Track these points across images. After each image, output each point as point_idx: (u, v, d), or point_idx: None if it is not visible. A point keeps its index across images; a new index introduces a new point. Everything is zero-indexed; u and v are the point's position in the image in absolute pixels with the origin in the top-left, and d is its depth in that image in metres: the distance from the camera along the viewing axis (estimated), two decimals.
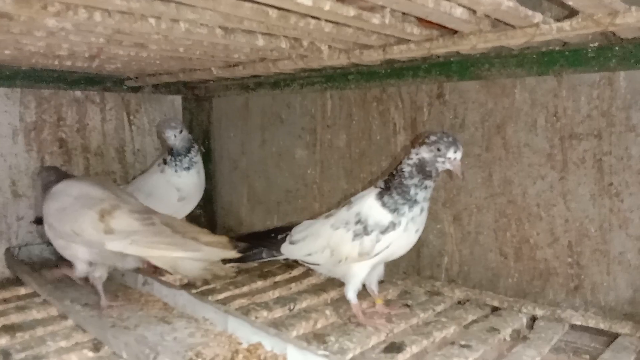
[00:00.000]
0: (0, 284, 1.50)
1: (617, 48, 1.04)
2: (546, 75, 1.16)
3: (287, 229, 1.26)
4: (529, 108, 1.22)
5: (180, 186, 1.60)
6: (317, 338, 1.06)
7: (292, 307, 1.25)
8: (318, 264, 1.21)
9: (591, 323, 1.12)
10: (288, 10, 0.87)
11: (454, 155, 1.03)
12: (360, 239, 1.09)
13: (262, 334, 0.97)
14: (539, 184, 1.22)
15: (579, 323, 1.13)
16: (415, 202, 1.07)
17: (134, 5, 0.78)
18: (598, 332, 1.11)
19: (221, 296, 1.33)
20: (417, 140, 1.09)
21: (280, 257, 1.29)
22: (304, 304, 1.28)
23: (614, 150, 1.11)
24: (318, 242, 1.17)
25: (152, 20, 0.90)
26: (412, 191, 1.06)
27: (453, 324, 1.13)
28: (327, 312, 1.19)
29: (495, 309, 1.23)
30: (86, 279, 1.27)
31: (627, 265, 1.11)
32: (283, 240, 1.24)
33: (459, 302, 1.29)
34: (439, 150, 1.03)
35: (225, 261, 1.26)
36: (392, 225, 1.07)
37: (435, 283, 1.38)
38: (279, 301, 1.27)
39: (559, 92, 1.17)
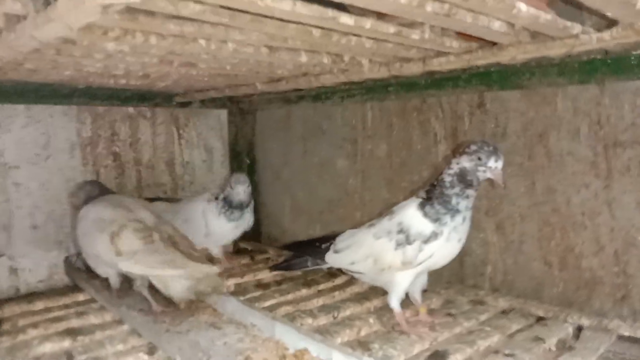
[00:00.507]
0: (61, 291, 1.58)
1: None
2: (588, 83, 1.16)
3: (330, 238, 1.29)
4: (571, 116, 1.22)
5: (213, 228, 1.63)
6: (361, 345, 1.08)
7: (336, 315, 1.27)
8: (361, 273, 1.23)
9: (639, 334, 1.10)
10: (331, 29, 0.90)
11: (494, 165, 1.03)
12: (402, 249, 1.10)
13: (308, 340, 1.00)
14: (583, 192, 1.21)
15: (626, 334, 1.10)
16: (457, 211, 1.07)
17: (186, 29, 0.84)
18: None
19: (267, 303, 1.37)
20: (458, 150, 1.10)
21: (325, 266, 1.32)
22: (348, 312, 1.30)
23: None
24: (361, 251, 1.19)
25: (202, 42, 0.95)
26: (454, 200, 1.07)
27: (497, 333, 1.13)
28: (371, 320, 1.21)
29: (540, 319, 1.22)
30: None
31: None
32: (327, 249, 1.27)
33: (503, 312, 1.28)
34: (479, 159, 1.03)
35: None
36: (435, 235, 1.08)
37: (478, 292, 1.38)
38: (323, 309, 1.29)
39: (601, 100, 1.17)
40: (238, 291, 1.53)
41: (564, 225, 1.25)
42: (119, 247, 1.17)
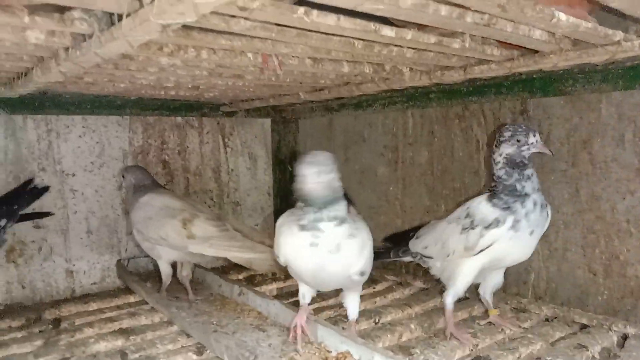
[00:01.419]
0: (113, 293, 1.66)
1: None
2: (633, 89, 1.14)
3: (417, 229, 1.38)
4: (615, 122, 1.21)
5: None
6: (403, 350, 1.09)
7: (377, 320, 1.29)
8: (431, 257, 1.27)
9: None
10: (372, 41, 0.93)
11: (534, 139, 1.09)
12: (466, 233, 1.14)
13: (350, 343, 1.03)
14: (628, 199, 1.19)
15: None
16: (526, 195, 1.10)
17: (236, 44, 0.88)
18: None
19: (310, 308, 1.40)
20: (493, 144, 1.15)
21: (404, 259, 1.39)
22: (389, 318, 1.32)
23: None
24: (434, 235, 1.26)
25: (250, 55, 1.00)
26: (518, 186, 1.10)
27: (540, 341, 1.12)
28: (412, 325, 1.22)
29: (583, 327, 1.21)
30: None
31: None
32: (412, 237, 1.36)
33: (546, 319, 1.28)
34: (519, 141, 1.09)
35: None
36: (497, 222, 1.10)
37: (521, 300, 1.37)
38: (364, 314, 1.31)
39: None
40: (281, 295, 1.57)
41: (608, 232, 1.23)
42: (192, 232, 1.36)
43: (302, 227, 0.97)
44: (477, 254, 1.13)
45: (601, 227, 1.25)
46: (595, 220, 1.26)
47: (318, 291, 1.19)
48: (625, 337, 1.13)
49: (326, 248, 0.97)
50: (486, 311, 1.27)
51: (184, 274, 1.52)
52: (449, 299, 1.18)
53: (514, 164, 1.10)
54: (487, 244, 1.11)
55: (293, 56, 1.04)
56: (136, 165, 1.78)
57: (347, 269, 1.01)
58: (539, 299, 1.37)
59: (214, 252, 1.36)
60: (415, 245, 1.33)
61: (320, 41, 0.88)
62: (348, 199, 1.45)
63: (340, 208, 0.98)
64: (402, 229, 1.74)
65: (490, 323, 1.22)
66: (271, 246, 1.23)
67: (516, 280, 1.43)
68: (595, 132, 1.25)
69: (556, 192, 1.32)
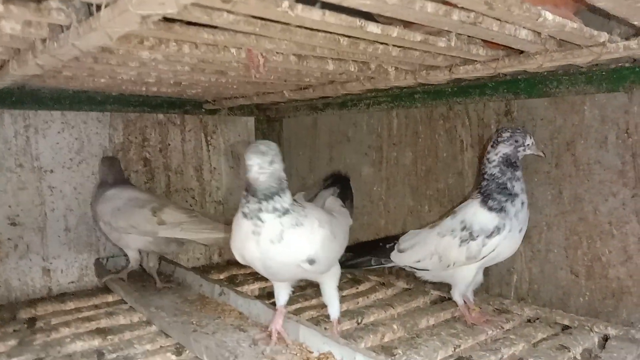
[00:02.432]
0: (91, 292, 1.64)
1: None
2: (616, 91, 1.15)
3: (393, 239, 1.38)
4: (599, 125, 1.21)
5: None
6: (385, 350, 1.09)
7: (359, 321, 1.29)
8: (427, 269, 1.30)
9: None
10: (358, 38, 0.92)
11: (531, 141, 1.17)
12: (466, 245, 1.18)
13: (332, 344, 1.02)
14: (610, 201, 1.20)
15: None
16: (515, 195, 1.16)
17: (219, 38, 0.86)
18: None
19: (292, 308, 1.39)
20: (489, 144, 1.20)
21: (388, 265, 1.39)
22: (372, 318, 1.31)
23: None
24: (426, 249, 1.27)
25: (233, 50, 0.98)
26: (509, 185, 1.16)
27: (522, 341, 1.13)
28: (395, 326, 1.22)
29: (565, 328, 1.21)
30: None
31: None
32: (392, 248, 1.35)
33: (528, 320, 1.28)
34: (517, 141, 1.16)
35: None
36: (497, 230, 1.15)
37: (503, 301, 1.38)
38: (346, 314, 1.31)
39: (630, 108, 1.16)
40: (262, 295, 1.56)
41: (591, 234, 1.24)
42: (162, 218, 1.49)
43: (245, 215, 0.97)
44: (479, 260, 1.18)
45: (584, 228, 1.25)
46: (577, 222, 1.26)
47: (293, 291, 1.20)
48: (606, 338, 1.13)
49: (268, 237, 0.97)
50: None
51: (151, 264, 1.63)
52: (457, 297, 1.26)
53: (509, 163, 1.17)
54: (490, 251, 1.17)
55: (277, 52, 1.02)
56: (108, 157, 1.74)
57: (293, 258, 1.00)
58: (522, 300, 1.38)
59: (184, 234, 1.49)
60: (402, 259, 1.33)
61: (305, 37, 0.87)
62: (345, 187, 1.46)
63: (284, 200, 0.97)
64: (385, 229, 1.74)
65: (473, 324, 1.22)
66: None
67: (499, 282, 1.44)
68: (579, 134, 1.25)
69: (539, 193, 1.33)
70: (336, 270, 1.16)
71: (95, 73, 1.23)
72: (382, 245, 1.38)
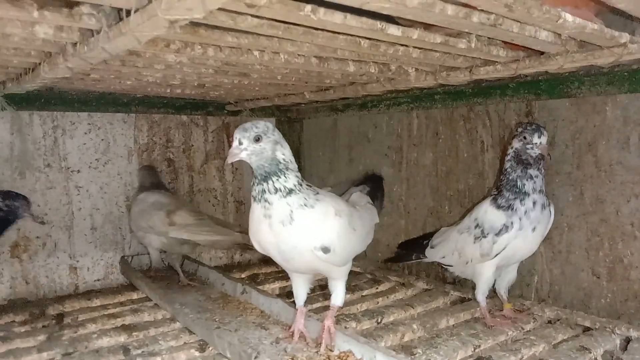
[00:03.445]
0: (116, 289, 1.68)
1: None
2: (638, 92, 1.14)
3: (430, 236, 1.43)
4: (621, 125, 1.20)
5: None
6: (405, 350, 1.09)
7: (379, 320, 1.29)
8: (451, 265, 1.35)
9: None
10: (379, 40, 0.93)
11: (539, 140, 1.14)
12: (480, 242, 1.20)
13: (352, 342, 1.03)
14: (633, 202, 1.19)
15: None
16: (525, 194, 1.15)
17: (242, 41, 0.88)
18: None
19: (312, 306, 1.40)
20: (510, 136, 1.21)
21: (425, 260, 1.44)
22: (391, 318, 1.32)
23: None
24: (448, 246, 1.32)
25: (256, 53, 1.00)
26: (519, 183, 1.16)
27: (542, 342, 1.12)
28: (415, 326, 1.22)
29: (586, 329, 1.20)
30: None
31: None
32: (427, 245, 1.41)
33: (549, 322, 1.28)
34: (525, 138, 1.15)
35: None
36: (505, 228, 1.16)
37: (524, 302, 1.37)
38: (366, 314, 1.32)
39: None
40: (283, 294, 1.57)
41: (612, 235, 1.23)
42: (173, 220, 1.59)
43: (254, 199, 0.98)
44: (493, 258, 1.19)
45: (605, 230, 1.24)
46: (599, 223, 1.26)
47: (312, 289, 1.21)
48: (628, 340, 1.12)
49: (278, 219, 0.97)
50: (502, 305, 1.31)
51: (173, 257, 1.71)
52: (480, 297, 1.26)
53: (519, 160, 1.16)
54: (501, 249, 1.18)
55: (299, 55, 1.04)
56: (146, 165, 1.83)
57: (305, 242, 0.99)
58: (542, 301, 1.37)
59: (189, 236, 1.59)
60: (432, 255, 1.39)
61: (326, 40, 0.88)
62: (376, 186, 1.50)
63: (287, 180, 0.97)
64: (406, 230, 1.74)
65: (492, 325, 1.22)
66: (237, 231, 1.59)
67: (519, 283, 1.43)
68: (600, 135, 1.24)
69: (561, 194, 1.32)
70: (348, 267, 1.14)
71: (122, 75, 1.26)
72: (422, 242, 1.44)
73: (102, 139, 1.79)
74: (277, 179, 0.97)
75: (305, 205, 0.98)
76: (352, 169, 1.95)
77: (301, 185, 1.00)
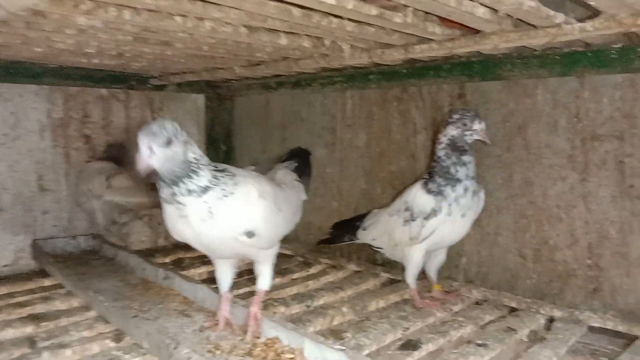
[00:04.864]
0: (26, 275, 1.55)
1: None
2: (568, 76, 1.16)
3: (364, 217, 1.41)
4: (550, 109, 1.22)
5: None
6: (334, 334, 1.07)
7: (309, 304, 1.26)
8: (382, 247, 1.34)
9: (609, 325, 1.10)
10: (311, 9, 0.88)
11: (479, 126, 1.12)
12: (409, 225, 1.19)
13: (279, 329, 0.99)
14: (559, 185, 1.21)
15: (597, 325, 1.12)
16: (458, 180, 1.14)
17: (162, 4, 0.81)
18: (616, 334, 1.10)
19: (240, 291, 1.35)
20: (442, 124, 1.17)
21: (357, 241, 1.42)
22: (321, 301, 1.29)
23: (635, 152, 1.10)
24: (379, 228, 1.31)
25: (178, 19, 0.92)
26: (452, 169, 1.13)
27: (470, 324, 1.13)
28: (344, 309, 1.20)
29: (512, 310, 1.23)
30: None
31: None
32: (359, 226, 1.39)
33: (477, 303, 1.29)
34: (464, 125, 1.12)
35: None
36: (434, 212, 1.15)
37: (452, 283, 1.38)
38: (296, 298, 1.29)
39: (581, 93, 1.17)
40: (209, 279, 1.51)
41: (539, 217, 1.25)
42: (111, 184, 1.71)
43: (164, 200, 0.90)
44: (422, 242, 1.18)
45: (532, 212, 1.27)
46: (527, 206, 1.28)
47: (239, 274, 1.16)
48: (552, 320, 1.15)
49: (196, 217, 0.89)
50: (431, 287, 1.31)
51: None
52: (410, 279, 1.25)
53: (455, 147, 1.13)
54: (429, 233, 1.17)
55: (226, 23, 0.97)
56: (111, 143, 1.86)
57: (229, 231, 0.93)
58: (470, 282, 1.39)
59: (123, 199, 1.71)
60: (364, 236, 1.38)
61: (254, 5, 0.82)
62: (304, 162, 1.42)
63: (199, 180, 0.88)
64: (338, 212, 1.71)
65: (421, 307, 1.22)
66: None
67: (448, 264, 1.43)
68: (531, 118, 1.26)
69: (490, 176, 1.33)
70: (275, 250, 1.09)
71: (30, 41, 1.15)
72: (354, 223, 1.42)
73: (11, 112, 1.65)
74: (190, 180, 0.88)
75: (224, 196, 0.90)
76: (285, 149, 1.88)
77: (216, 177, 0.91)
